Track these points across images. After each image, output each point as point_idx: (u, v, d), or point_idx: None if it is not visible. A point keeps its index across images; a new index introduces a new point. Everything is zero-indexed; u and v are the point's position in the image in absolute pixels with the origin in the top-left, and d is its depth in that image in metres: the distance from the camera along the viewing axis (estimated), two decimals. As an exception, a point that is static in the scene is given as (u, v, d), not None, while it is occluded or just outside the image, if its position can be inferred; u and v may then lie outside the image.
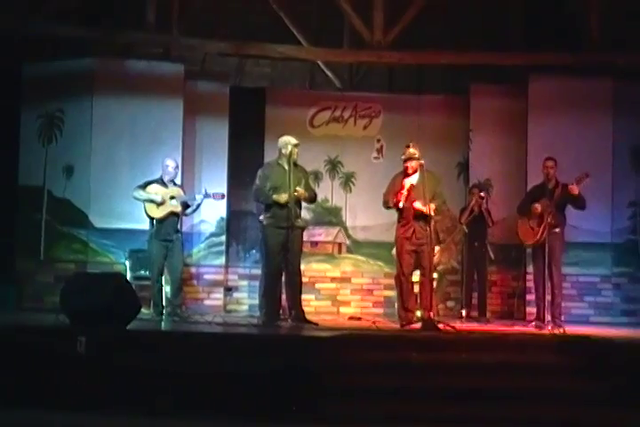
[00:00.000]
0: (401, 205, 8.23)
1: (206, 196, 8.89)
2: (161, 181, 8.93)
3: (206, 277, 10.36)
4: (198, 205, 9.03)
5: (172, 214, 8.82)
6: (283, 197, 8.26)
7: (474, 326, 8.85)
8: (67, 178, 9.96)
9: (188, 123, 10.20)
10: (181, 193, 8.94)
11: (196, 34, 10.07)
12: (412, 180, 8.27)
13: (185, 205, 8.94)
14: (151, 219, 8.80)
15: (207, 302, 10.31)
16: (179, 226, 9.05)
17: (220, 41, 10.07)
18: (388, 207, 8.51)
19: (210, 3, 10.80)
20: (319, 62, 11.29)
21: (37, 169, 10.05)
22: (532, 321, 8.88)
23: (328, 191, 10.84)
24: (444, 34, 10.83)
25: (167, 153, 9.71)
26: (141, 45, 10.37)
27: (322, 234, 10.90)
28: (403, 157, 8.34)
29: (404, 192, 8.16)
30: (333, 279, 10.91)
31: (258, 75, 11.53)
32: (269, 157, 9.99)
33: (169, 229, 8.80)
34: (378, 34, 9.65)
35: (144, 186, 8.85)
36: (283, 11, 10.66)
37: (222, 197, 9.10)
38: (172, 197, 8.84)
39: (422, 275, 8.29)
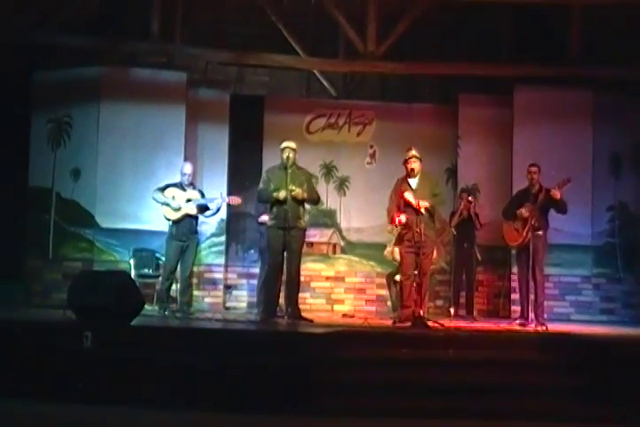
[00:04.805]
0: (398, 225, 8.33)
1: (223, 200, 9.13)
2: (179, 185, 9.14)
3: (207, 275, 10.53)
4: (218, 209, 9.21)
5: (188, 216, 9.03)
6: (281, 194, 8.42)
7: (461, 323, 8.94)
8: (74, 180, 10.20)
9: (190, 128, 10.42)
10: (198, 196, 9.12)
11: (198, 44, 10.30)
12: (413, 184, 8.32)
13: (202, 208, 9.10)
14: (168, 220, 9.03)
15: (208, 300, 10.49)
16: (196, 227, 9.21)
17: (221, 51, 10.26)
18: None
19: (212, 14, 11.01)
20: (315, 72, 11.53)
21: (46, 171, 10.27)
22: (516, 319, 9.03)
23: (323, 194, 10.85)
24: (435, 46, 11.03)
25: (169, 157, 10.01)
26: (146, 54, 10.56)
27: (317, 235, 11.08)
28: (405, 157, 8.38)
29: (402, 219, 8.22)
30: (328, 278, 11.12)
31: (257, 83, 11.73)
32: (268, 161, 10.21)
33: (185, 230, 9.01)
34: (371, 45, 9.88)
35: (163, 189, 9.07)
36: (281, 22, 10.86)
37: (237, 201, 9.20)
38: (189, 200, 9.03)
39: (419, 276, 8.28)
